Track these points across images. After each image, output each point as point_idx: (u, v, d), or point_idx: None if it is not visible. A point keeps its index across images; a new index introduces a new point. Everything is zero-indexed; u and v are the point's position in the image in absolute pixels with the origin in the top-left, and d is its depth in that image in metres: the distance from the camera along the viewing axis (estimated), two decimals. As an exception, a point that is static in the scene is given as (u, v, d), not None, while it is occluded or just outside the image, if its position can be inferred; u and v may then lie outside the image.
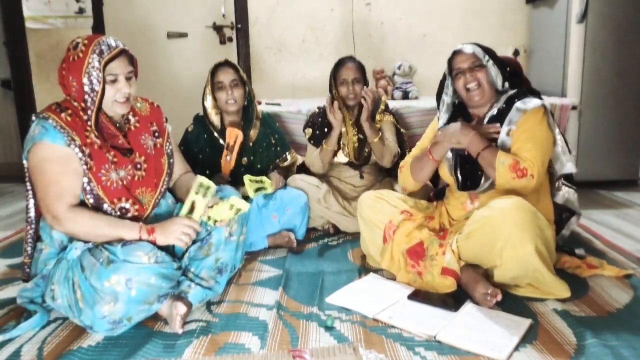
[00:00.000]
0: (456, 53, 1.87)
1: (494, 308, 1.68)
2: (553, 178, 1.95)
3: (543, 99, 1.91)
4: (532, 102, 1.80)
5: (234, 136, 2.41)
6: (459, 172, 1.91)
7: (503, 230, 1.64)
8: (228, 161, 2.42)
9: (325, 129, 2.61)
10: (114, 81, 1.61)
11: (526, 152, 1.76)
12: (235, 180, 2.39)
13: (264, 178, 2.36)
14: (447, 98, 1.94)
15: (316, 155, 2.61)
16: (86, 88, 1.57)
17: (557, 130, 1.86)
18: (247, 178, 2.30)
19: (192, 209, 1.69)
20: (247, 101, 2.49)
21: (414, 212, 2.02)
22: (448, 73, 1.91)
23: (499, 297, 1.67)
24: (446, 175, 1.98)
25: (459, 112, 1.96)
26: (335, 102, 2.52)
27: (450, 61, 1.90)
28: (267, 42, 3.84)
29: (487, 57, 1.83)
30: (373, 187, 2.66)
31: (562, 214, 2.01)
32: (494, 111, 1.85)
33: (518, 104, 1.80)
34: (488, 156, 1.76)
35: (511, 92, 1.86)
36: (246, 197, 2.24)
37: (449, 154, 1.94)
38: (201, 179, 1.69)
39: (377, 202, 2.07)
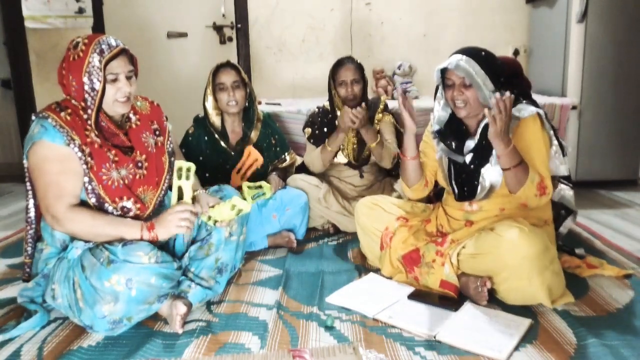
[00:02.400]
0: (448, 67, 1.78)
1: (495, 308, 1.69)
2: None
3: (536, 101, 1.90)
4: (526, 110, 1.76)
5: (253, 158, 2.40)
6: (453, 183, 1.88)
7: (511, 262, 1.61)
8: (240, 179, 2.41)
9: (325, 129, 2.61)
10: (114, 80, 1.60)
11: (540, 168, 1.73)
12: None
13: (263, 183, 2.35)
14: (439, 107, 1.90)
15: (316, 155, 2.60)
16: (86, 87, 1.57)
17: (552, 133, 1.83)
18: (245, 185, 2.29)
19: (181, 195, 1.70)
20: (248, 102, 2.48)
21: (410, 217, 2.02)
22: (441, 82, 1.84)
23: (489, 285, 1.68)
24: (443, 183, 1.96)
25: (454, 118, 1.90)
26: (364, 110, 2.41)
27: (442, 70, 1.82)
28: (267, 42, 3.85)
29: (482, 73, 1.72)
30: (373, 187, 2.67)
31: (560, 212, 2.00)
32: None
33: (513, 112, 1.75)
34: (520, 172, 1.68)
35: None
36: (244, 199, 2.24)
37: (444, 164, 1.91)
38: (179, 163, 1.71)
39: (373, 210, 2.08)
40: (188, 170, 1.70)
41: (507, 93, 1.66)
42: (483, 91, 1.73)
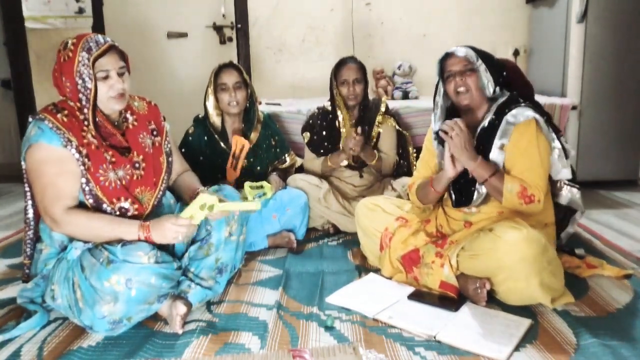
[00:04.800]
0: (448, 55, 1.83)
1: (495, 308, 1.69)
2: (552, 179, 1.93)
3: (539, 103, 1.89)
4: (522, 115, 1.75)
5: (239, 145, 2.40)
6: (451, 189, 1.87)
7: (509, 263, 1.61)
8: (234, 170, 2.41)
9: (324, 132, 2.61)
10: (105, 77, 1.59)
11: (529, 175, 1.73)
12: (237, 183, 2.39)
13: (264, 183, 2.35)
14: (440, 100, 1.91)
15: (317, 165, 2.64)
16: (79, 87, 1.57)
17: (553, 136, 1.82)
18: (247, 185, 2.29)
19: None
20: (249, 103, 2.48)
21: (410, 218, 2.01)
22: (440, 75, 1.87)
23: (488, 286, 1.68)
24: None
25: (453, 117, 1.91)
26: (360, 136, 2.43)
27: (442, 62, 1.85)
28: (267, 42, 3.85)
29: (479, 62, 1.78)
30: (373, 187, 2.67)
31: (566, 212, 1.99)
32: (485, 123, 1.80)
33: (509, 117, 1.76)
34: (495, 183, 1.72)
35: (501, 99, 1.82)
36: (245, 199, 2.24)
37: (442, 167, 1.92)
38: (204, 199, 1.64)
39: (373, 211, 2.08)
40: (211, 207, 1.64)
41: (459, 121, 1.76)
42: (483, 79, 1.77)
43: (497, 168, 1.75)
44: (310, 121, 2.69)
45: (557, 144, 1.82)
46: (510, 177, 1.73)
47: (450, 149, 1.76)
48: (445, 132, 1.75)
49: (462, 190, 1.84)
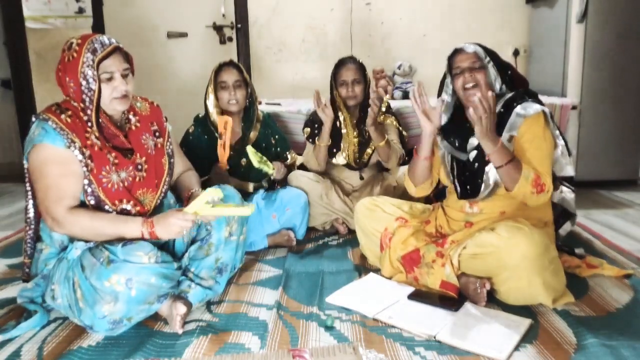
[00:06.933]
0: (457, 51, 1.84)
1: (495, 308, 1.69)
2: (554, 175, 1.93)
3: (541, 101, 1.90)
4: (532, 108, 1.76)
5: (222, 123, 2.37)
6: (456, 181, 1.87)
7: (511, 262, 1.61)
8: (223, 150, 2.39)
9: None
10: (110, 79, 1.59)
11: (539, 165, 1.73)
12: (234, 175, 2.39)
13: (267, 162, 2.34)
14: (446, 97, 1.91)
15: (312, 154, 2.61)
16: (83, 88, 1.56)
17: (557, 133, 1.84)
18: (249, 149, 2.28)
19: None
20: (249, 102, 2.49)
21: (409, 218, 2.02)
22: (448, 71, 1.88)
23: (488, 286, 1.68)
24: (446, 181, 1.96)
25: (458, 114, 1.93)
26: (324, 98, 2.49)
27: (450, 59, 1.86)
28: (267, 42, 3.85)
29: (488, 59, 1.80)
30: (371, 185, 2.67)
31: (560, 213, 1.99)
32: None
33: (518, 109, 1.76)
34: (512, 170, 1.69)
35: (508, 95, 1.83)
36: (245, 195, 2.23)
37: (447, 161, 1.91)
38: (211, 194, 1.63)
39: (372, 211, 2.08)
40: (221, 199, 1.65)
41: (490, 92, 1.69)
42: (491, 75, 1.79)
43: (514, 154, 1.72)
44: (312, 117, 2.69)
45: (560, 140, 1.84)
46: (526, 165, 1.71)
47: (476, 132, 1.70)
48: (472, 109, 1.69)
49: (467, 182, 1.84)
